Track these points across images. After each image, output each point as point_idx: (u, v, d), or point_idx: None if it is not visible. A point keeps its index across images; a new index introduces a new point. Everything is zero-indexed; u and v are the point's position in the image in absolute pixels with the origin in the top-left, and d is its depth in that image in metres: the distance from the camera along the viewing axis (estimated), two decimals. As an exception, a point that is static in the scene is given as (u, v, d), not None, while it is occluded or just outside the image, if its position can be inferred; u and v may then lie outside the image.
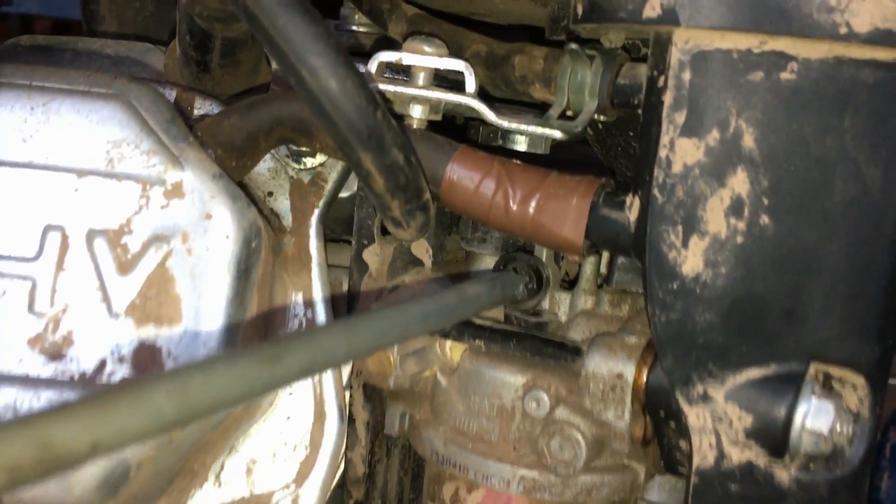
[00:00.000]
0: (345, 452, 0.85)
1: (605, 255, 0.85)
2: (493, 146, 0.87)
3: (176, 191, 0.69)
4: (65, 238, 0.69)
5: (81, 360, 0.67)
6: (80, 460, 0.36)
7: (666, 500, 0.95)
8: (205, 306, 0.68)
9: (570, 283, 0.89)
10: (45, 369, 0.67)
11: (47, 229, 0.69)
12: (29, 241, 0.69)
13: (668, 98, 0.64)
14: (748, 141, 0.63)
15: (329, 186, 0.84)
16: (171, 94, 0.82)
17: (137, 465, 0.68)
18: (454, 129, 0.90)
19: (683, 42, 0.63)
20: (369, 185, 0.67)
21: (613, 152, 0.84)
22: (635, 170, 0.70)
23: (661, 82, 0.65)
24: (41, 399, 0.66)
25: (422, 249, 0.85)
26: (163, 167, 0.69)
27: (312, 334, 0.54)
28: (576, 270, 0.90)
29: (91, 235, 0.69)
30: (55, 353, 0.67)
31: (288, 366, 0.48)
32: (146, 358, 0.67)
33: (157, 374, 0.42)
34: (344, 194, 0.88)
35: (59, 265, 0.68)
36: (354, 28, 0.99)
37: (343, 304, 0.86)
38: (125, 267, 0.68)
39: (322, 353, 0.51)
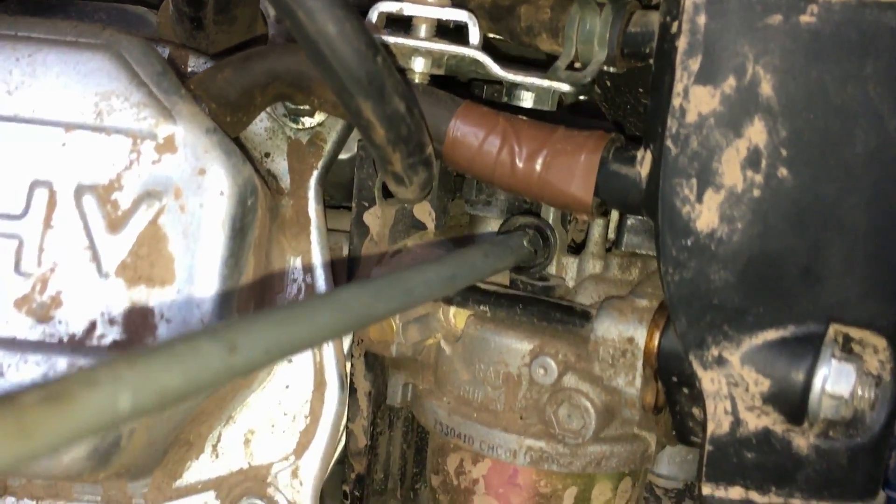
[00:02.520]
0: (346, 424, 0.82)
1: (614, 218, 0.82)
2: (498, 104, 0.84)
3: (168, 145, 0.66)
4: (52, 194, 0.66)
5: (70, 322, 0.64)
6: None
7: (676, 474, 0.93)
8: (199, 266, 0.66)
9: (577, 248, 0.86)
10: (33, 332, 0.64)
11: (34, 185, 0.66)
12: (15, 197, 0.66)
13: (681, 44, 0.61)
14: (766, 88, 0.60)
15: (328, 147, 0.81)
16: (165, 52, 0.79)
17: (129, 433, 0.65)
18: (457, 88, 0.87)
19: (699, -16, 0.60)
20: (369, 137, 0.64)
21: (622, 110, 0.81)
22: (646, 122, 0.67)
23: (674, 28, 0.62)
24: (28, 363, 0.63)
25: (425, 212, 0.82)
26: (154, 120, 0.66)
27: (309, 303, 0.51)
28: (582, 236, 0.87)
29: (80, 191, 0.66)
30: (43, 315, 0.64)
31: (301, 329, 0.46)
32: (138, 320, 0.64)
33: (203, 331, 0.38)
34: (343, 156, 0.85)
35: (47, 223, 0.66)
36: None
37: (343, 269, 0.83)
38: (115, 225, 0.65)
39: (319, 325, 0.49)
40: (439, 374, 0.81)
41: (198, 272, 0.66)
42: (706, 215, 0.63)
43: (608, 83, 0.78)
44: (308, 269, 0.79)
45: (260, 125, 0.80)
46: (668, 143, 0.62)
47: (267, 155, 0.80)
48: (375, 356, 0.82)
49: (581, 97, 0.86)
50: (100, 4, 0.99)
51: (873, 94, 0.60)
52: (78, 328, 0.64)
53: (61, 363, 0.64)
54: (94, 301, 0.65)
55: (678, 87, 0.62)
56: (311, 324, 0.45)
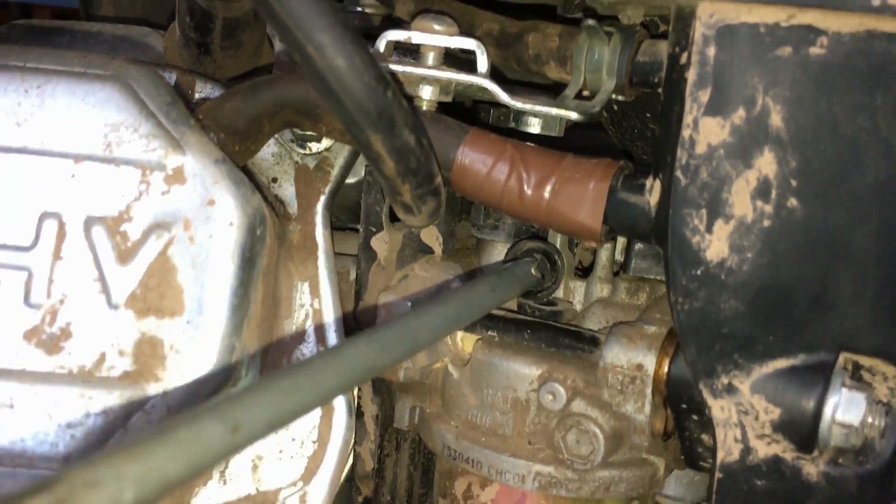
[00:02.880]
0: (353, 447, 0.82)
1: (621, 242, 0.82)
2: (505, 129, 0.84)
3: (177, 176, 0.66)
4: (62, 226, 0.66)
5: (80, 353, 0.64)
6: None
7: (683, 495, 0.93)
8: (208, 297, 0.66)
9: (584, 271, 0.86)
10: (42, 363, 0.64)
11: (43, 217, 0.66)
12: (24, 229, 0.66)
13: (691, 75, 0.61)
14: (775, 120, 0.60)
15: (335, 172, 0.81)
16: (172, 77, 0.79)
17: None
18: (462, 112, 0.87)
19: (708, 16, 0.60)
20: (379, 169, 0.64)
21: (630, 135, 0.81)
22: (655, 151, 0.67)
23: (683, 59, 0.62)
24: (38, 395, 0.63)
25: (432, 237, 0.82)
26: (163, 151, 0.66)
27: (312, 366, 0.51)
28: (590, 258, 0.87)
29: (89, 223, 0.66)
30: (52, 347, 0.64)
31: (306, 393, 0.46)
32: (147, 351, 0.64)
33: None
34: (350, 180, 0.85)
35: (56, 254, 0.66)
36: (360, 9, 0.96)
37: (350, 293, 0.83)
38: (125, 256, 0.65)
39: (335, 378, 0.49)
40: (447, 397, 0.81)
41: (207, 303, 0.66)
42: (716, 245, 0.63)
43: (615, 108, 0.78)
44: (315, 293, 0.79)
45: (267, 150, 0.80)
46: (678, 173, 0.63)
47: (274, 180, 0.80)
48: (383, 380, 0.82)
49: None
50: (105, 27, 0.99)
51: (883, 125, 0.60)
52: (88, 360, 0.64)
53: (71, 395, 0.64)
54: (103, 332, 0.65)
55: (688, 119, 0.62)
56: (315, 389, 0.46)
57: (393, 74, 0.72)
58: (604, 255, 0.81)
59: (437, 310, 0.65)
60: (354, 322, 0.83)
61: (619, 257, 0.84)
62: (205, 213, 0.66)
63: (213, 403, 0.43)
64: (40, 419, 0.63)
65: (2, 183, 0.66)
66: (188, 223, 0.66)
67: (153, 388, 0.64)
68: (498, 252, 0.87)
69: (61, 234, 0.66)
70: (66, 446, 0.62)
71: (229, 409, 0.40)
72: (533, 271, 0.79)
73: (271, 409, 0.46)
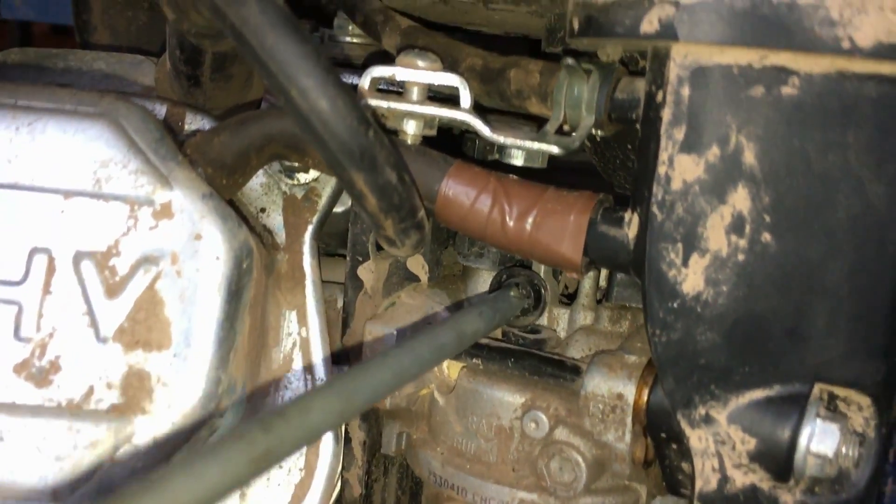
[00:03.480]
0: (341, 473, 0.83)
1: (605, 270, 0.84)
2: (490, 160, 0.86)
3: (165, 211, 0.68)
4: (51, 261, 0.67)
5: (69, 386, 0.65)
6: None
7: (667, 518, 0.94)
8: (195, 329, 0.67)
9: (568, 298, 0.88)
10: (32, 396, 0.65)
11: (33, 252, 0.67)
12: (15, 264, 0.67)
13: (666, 114, 0.63)
14: (749, 157, 0.62)
15: (323, 202, 0.82)
16: (162, 109, 0.81)
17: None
18: (450, 140, 0.89)
19: (682, 57, 0.62)
20: (362, 205, 0.66)
21: (612, 165, 0.83)
22: (633, 186, 0.68)
23: (659, 97, 0.63)
24: (27, 427, 0.64)
25: (418, 265, 0.83)
26: (151, 187, 0.68)
27: (307, 401, 0.53)
28: (574, 285, 0.89)
29: (78, 258, 0.67)
30: (42, 380, 0.65)
31: (284, 438, 0.47)
32: (135, 384, 0.65)
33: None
34: (338, 209, 0.86)
35: (46, 289, 0.67)
36: (348, 39, 0.97)
37: (338, 322, 0.85)
38: (113, 290, 0.67)
39: (318, 418, 0.51)
40: (433, 424, 0.82)
41: (194, 335, 0.67)
42: (692, 279, 0.64)
43: (598, 139, 0.79)
44: (303, 322, 0.81)
45: (256, 181, 0.81)
46: (654, 209, 0.64)
47: (263, 210, 0.82)
48: (370, 406, 0.83)
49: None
50: (98, 54, 1.00)
51: (854, 162, 0.61)
52: (76, 393, 0.65)
53: (60, 427, 0.65)
54: (92, 365, 0.66)
55: (663, 156, 0.63)
56: (306, 426, 0.47)
57: (377, 109, 0.73)
58: (587, 283, 0.83)
59: (425, 342, 0.67)
60: (342, 349, 0.84)
61: (602, 284, 0.85)
62: (192, 248, 0.67)
63: (210, 444, 0.45)
64: (29, 452, 0.64)
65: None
66: (176, 257, 0.67)
67: (141, 421, 0.65)
68: (484, 279, 0.88)
69: (51, 269, 0.67)
70: (55, 479, 0.63)
71: (224, 451, 0.41)
72: (518, 300, 0.80)
73: (264, 448, 0.48)
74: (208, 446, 0.47)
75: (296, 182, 0.82)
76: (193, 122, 0.81)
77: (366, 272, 0.82)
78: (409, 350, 0.65)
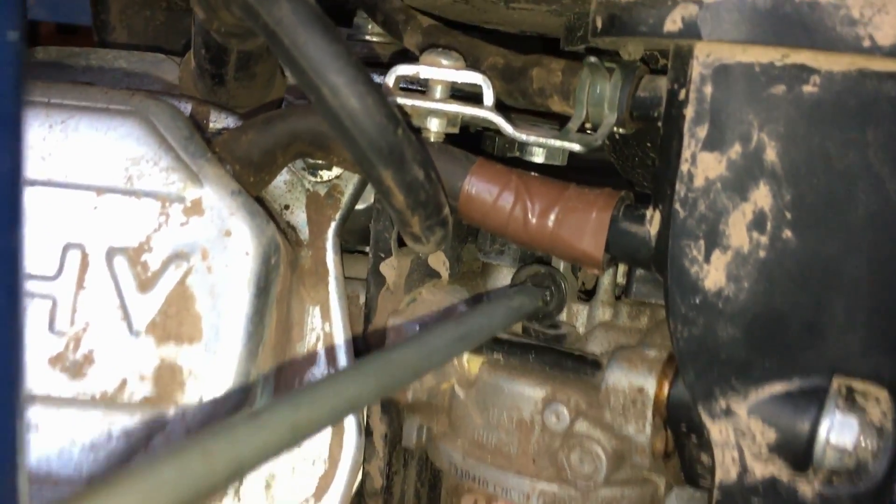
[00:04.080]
0: (362, 465, 0.84)
1: (623, 266, 0.85)
2: (510, 157, 0.87)
3: (195, 208, 0.69)
4: (84, 256, 0.69)
5: (102, 379, 0.67)
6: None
7: (684, 511, 0.95)
8: (225, 324, 0.68)
9: (587, 295, 0.89)
10: (66, 389, 0.67)
11: (67, 247, 0.69)
12: (49, 259, 0.69)
13: (689, 112, 0.64)
14: (770, 155, 0.63)
15: (345, 199, 0.83)
16: (187, 107, 0.82)
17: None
18: (469, 138, 0.90)
19: (705, 56, 0.63)
20: (389, 202, 0.67)
21: (630, 162, 0.84)
22: (655, 183, 0.70)
23: (681, 96, 0.65)
24: (62, 418, 0.66)
25: (439, 262, 0.84)
26: (182, 184, 0.69)
27: (339, 378, 0.54)
28: (593, 281, 0.90)
29: (111, 253, 0.68)
30: (76, 372, 0.67)
31: (319, 411, 0.49)
32: (167, 376, 0.67)
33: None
34: (360, 206, 0.87)
35: (80, 283, 0.68)
36: (368, 38, 0.99)
37: (360, 317, 0.86)
38: (145, 285, 0.68)
39: (351, 397, 0.52)
40: (454, 417, 0.83)
41: (224, 329, 0.68)
42: (714, 275, 0.65)
43: (617, 137, 0.80)
44: (326, 317, 0.82)
45: (280, 178, 0.82)
46: (677, 206, 0.65)
47: (286, 207, 0.83)
48: (391, 400, 0.84)
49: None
50: (120, 53, 1.02)
51: (874, 159, 0.62)
52: (110, 385, 0.67)
53: (94, 418, 0.66)
54: (125, 358, 0.67)
55: (686, 154, 0.64)
56: (327, 408, 0.49)
57: (401, 107, 0.74)
58: (606, 279, 0.84)
59: (445, 333, 0.68)
60: (364, 344, 0.85)
61: (620, 281, 0.86)
62: (222, 244, 0.69)
63: (226, 423, 0.46)
64: (64, 442, 0.65)
65: (27, 215, 0.69)
66: (206, 253, 0.69)
67: (173, 412, 0.66)
68: (503, 276, 0.90)
69: (84, 264, 0.68)
70: (90, 468, 0.65)
71: (240, 429, 0.43)
72: (538, 295, 0.81)
73: (284, 428, 0.49)
74: (241, 416, 0.48)
75: (319, 179, 0.84)
76: (218, 121, 0.83)
77: (388, 268, 0.83)
78: (433, 337, 0.66)
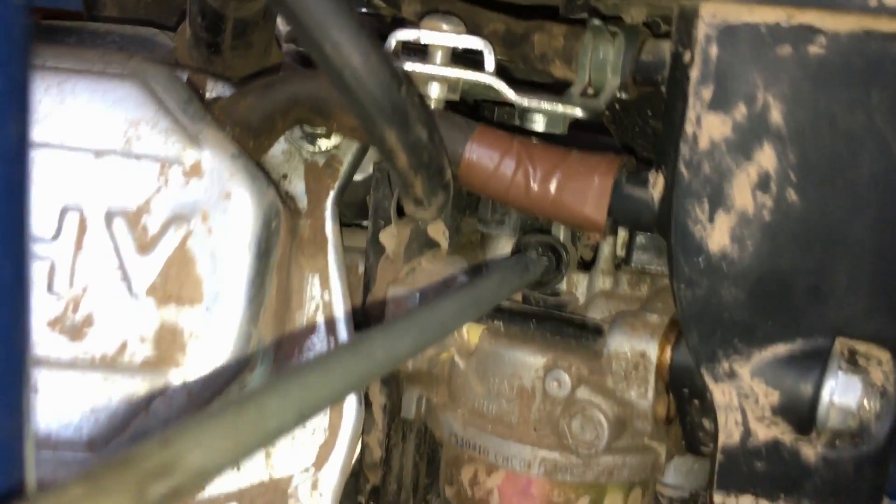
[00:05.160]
0: (362, 436, 0.84)
1: (623, 236, 0.85)
2: (509, 127, 0.86)
3: (194, 170, 0.68)
4: (83, 219, 0.68)
5: (102, 341, 0.66)
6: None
7: (682, 483, 0.95)
8: (226, 287, 0.68)
9: (586, 264, 0.89)
10: (66, 351, 0.66)
11: (65, 210, 0.68)
12: (46, 221, 0.68)
13: (694, 73, 0.64)
14: (775, 116, 0.63)
15: (344, 168, 0.83)
16: (184, 77, 0.81)
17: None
18: (467, 110, 0.90)
19: (710, 16, 0.63)
20: (392, 163, 0.66)
21: (630, 132, 0.84)
22: (658, 147, 0.70)
23: (686, 58, 0.64)
24: (63, 380, 0.65)
25: (438, 232, 0.84)
26: (181, 146, 0.68)
27: (352, 347, 0.54)
28: (591, 252, 0.90)
29: (110, 216, 0.68)
30: (76, 335, 0.66)
31: (333, 381, 0.48)
32: (168, 338, 0.66)
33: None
34: (357, 177, 0.87)
35: (78, 246, 0.67)
36: (365, 10, 0.98)
37: (359, 286, 0.85)
38: (145, 247, 0.67)
39: (363, 367, 0.52)
40: (453, 387, 0.83)
41: (225, 292, 0.68)
42: (718, 236, 0.65)
43: (617, 106, 0.80)
44: (326, 286, 0.81)
45: (278, 148, 0.82)
46: (682, 167, 0.65)
47: (284, 177, 0.82)
48: (390, 371, 0.84)
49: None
50: (112, 27, 1.00)
51: (879, 121, 0.62)
52: (110, 347, 0.66)
53: (95, 380, 0.65)
54: (125, 321, 0.67)
55: (691, 115, 0.64)
56: (333, 384, 0.49)
57: (405, 72, 0.74)
58: (606, 248, 0.84)
59: (449, 303, 0.67)
60: (363, 314, 0.85)
61: (620, 251, 0.86)
62: (222, 206, 0.68)
63: (244, 394, 0.45)
64: (65, 404, 0.65)
65: (24, 177, 0.68)
66: (206, 216, 0.68)
67: (174, 374, 0.66)
68: (502, 246, 0.89)
69: (83, 227, 0.68)
70: (90, 430, 0.64)
71: (260, 400, 0.42)
72: (539, 263, 0.81)
73: (293, 405, 0.49)
74: (248, 391, 0.48)
75: (317, 149, 0.83)
76: (214, 90, 0.82)
77: (388, 236, 0.83)
78: (434, 310, 0.66)
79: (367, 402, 0.84)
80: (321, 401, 0.52)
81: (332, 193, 0.83)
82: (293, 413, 0.49)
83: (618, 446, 0.76)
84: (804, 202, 0.64)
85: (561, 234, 0.84)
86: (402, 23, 0.87)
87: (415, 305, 0.79)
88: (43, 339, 0.66)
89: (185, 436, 0.39)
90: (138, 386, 0.65)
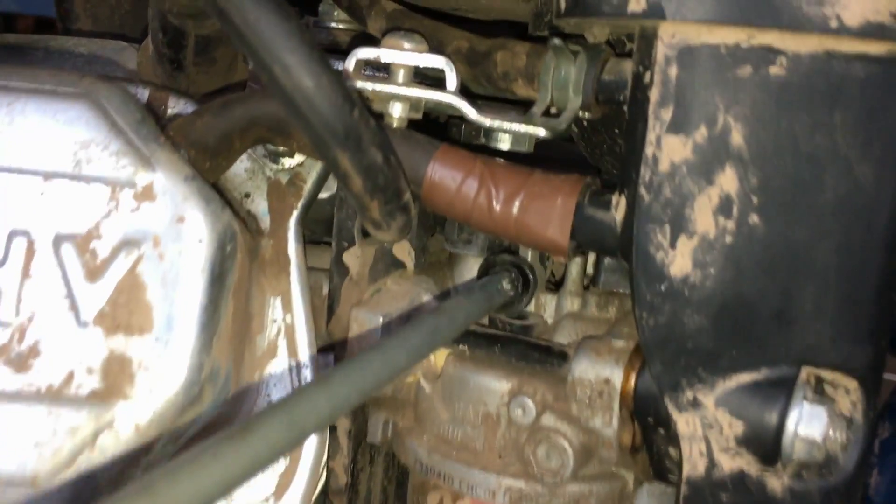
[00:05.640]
0: (326, 462, 0.82)
1: (592, 256, 0.83)
2: (476, 144, 0.85)
3: (147, 193, 0.67)
4: (31, 244, 0.66)
5: (48, 371, 0.64)
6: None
7: (655, 506, 0.94)
8: (177, 314, 0.66)
9: (555, 285, 0.87)
10: (11, 381, 0.64)
11: (12, 235, 0.66)
12: (-7, 247, 0.66)
13: (654, 94, 0.62)
14: (736, 138, 0.61)
15: (308, 187, 0.81)
16: (145, 94, 0.80)
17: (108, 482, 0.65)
18: (436, 126, 0.88)
19: (669, 37, 0.61)
20: (347, 186, 0.65)
21: (599, 150, 0.82)
22: (621, 168, 0.68)
23: (647, 78, 0.63)
24: (6, 413, 0.63)
25: (404, 252, 0.82)
26: (133, 169, 0.67)
27: (292, 401, 0.52)
28: (561, 271, 0.88)
29: (58, 241, 0.66)
30: (21, 365, 0.64)
31: (268, 440, 0.47)
32: (116, 369, 0.64)
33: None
34: (323, 195, 0.85)
35: (25, 272, 0.66)
36: (333, 25, 0.96)
37: (323, 308, 0.84)
38: (94, 273, 0.66)
39: (305, 419, 0.50)
40: (419, 412, 0.81)
41: (176, 320, 0.66)
42: (679, 261, 0.64)
43: (585, 124, 0.79)
44: (288, 308, 0.80)
45: (240, 165, 0.80)
46: (642, 190, 0.63)
47: (247, 195, 0.81)
48: (356, 394, 0.82)
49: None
50: (80, 40, 0.99)
51: (841, 143, 0.61)
52: (56, 378, 0.64)
53: (39, 413, 0.64)
54: (72, 350, 0.65)
55: (651, 136, 0.63)
56: (299, 426, 0.47)
57: (363, 92, 0.72)
58: (574, 269, 0.82)
59: (417, 331, 0.66)
60: (327, 336, 0.83)
61: (589, 271, 0.85)
62: (174, 231, 0.66)
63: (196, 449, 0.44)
64: (8, 438, 0.63)
65: (-30, 201, 0.66)
66: (158, 240, 0.66)
67: (122, 407, 0.64)
68: (470, 266, 0.88)
69: (30, 252, 0.66)
70: (34, 466, 0.62)
71: (210, 454, 0.41)
72: (507, 286, 0.80)
73: (252, 452, 0.47)
74: (193, 451, 0.46)
75: (281, 167, 0.81)
76: (176, 106, 0.80)
77: (351, 258, 0.81)
78: (401, 340, 0.64)
79: (332, 428, 0.83)
80: (284, 446, 0.51)
81: (295, 213, 0.81)
82: (250, 461, 0.48)
83: (584, 474, 0.75)
84: (767, 226, 0.62)
85: (529, 254, 0.82)
86: (368, 37, 0.86)
87: (377, 329, 0.78)
88: (-14, 370, 0.64)
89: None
90: (85, 419, 0.63)
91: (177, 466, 0.43)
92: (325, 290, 0.85)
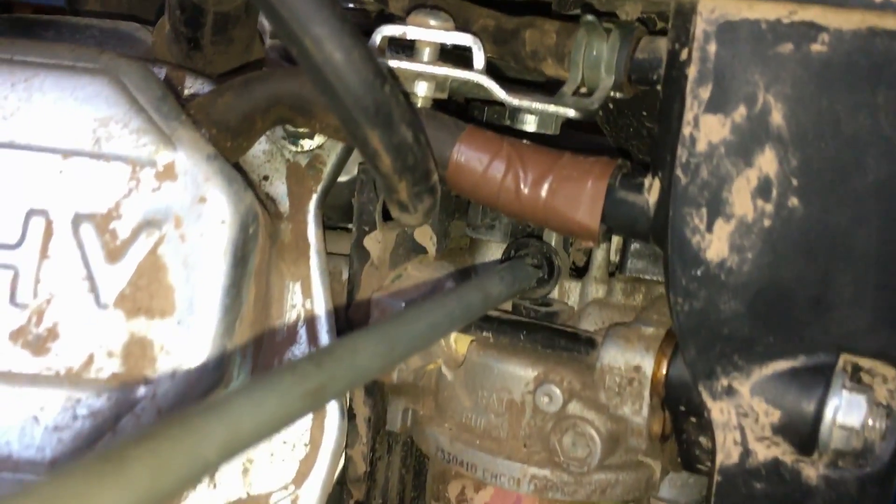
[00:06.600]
0: (345, 450, 0.81)
1: (616, 242, 0.81)
2: (500, 127, 0.83)
3: (168, 172, 0.65)
4: (49, 223, 0.64)
5: (67, 354, 0.63)
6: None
7: (677, 497, 0.92)
8: (199, 296, 0.64)
9: (578, 272, 0.85)
10: (29, 364, 0.62)
11: (30, 214, 0.64)
12: (10, 226, 0.64)
13: (692, 72, 0.61)
14: (776, 117, 0.60)
15: (328, 170, 0.79)
16: (161, 73, 0.78)
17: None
18: (456, 110, 0.86)
19: (709, 12, 0.60)
20: (375, 165, 0.63)
21: (625, 133, 0.80)
22: (654, 150, 0.66)
23: (683, 55, 0.61)
24: (24, 396, 0.62)
25: (425, 237, 0.81)
26: (153, 147, 0.65)
27: (354, 342, 0.51)
28: (584, 259, 0.86)
29: (77, 220, 0.64)
30: (39, 348, 0.62)
31: (335, 375, 0.46)
32: (137, 352, 0.63)
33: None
34: (342, 179, 0.83)
35: (43, 253, 0.64)
36: (352, 6, 0.95)
37: (342, 293, 0.82)
38: (114, 254, 0.64)
39: (366, 360, 0.49)
40: (440, 400, 0.80)
41: (198, 302, 0.64)
42: (716, 245, 0.62)
43: (611, 106, 0.77)
44: (307, 293, 0.78)
45: (258, 148, 0.78)
46: (678, 171, 0.62)
47: (265, 178, 0.79)
48: (375, 381, 0.80)
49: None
50: (92, 21, 0.97)
51: (884, 123, 0.59)
52: (75, 361, 0.63)
53: (58, 397, 0.62)
54: (91, 333, 0.63)
55: (688, 116, 0.61)
56: (350, 368, 0.45)
57: (390, 71, 0.71)
58: (599, 255, 0.80)
59: (435, 309, 0.64)
60: (346, 322, 0.82)
61: (614, 258, 0.83)
62: (196, 211, 0.65)
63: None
64: (26, 422, 0.61)
65: (-13, 179, 0.65)
66: (179, 221, 0.64)
67: (143, 390, 0.62)
68: (492, 252, 0.86)
69: (48, 232, 0.64)
70: (53, 450, 0.61)
71: (279, 382, 0.40)
72: (531, 271, 0.78)
73: (317, 383, 0.46)
74: (261, 376, 0.45)
75: (300, 149, 0.80)
76: (193, 86, 0.78)
77: (372, 242, 0.79)
78: (421, 315, 0.63)
79: (350, 415, 0.81)
80: (297, 410, 0.49)
81: (315, 196, 0.80)
82: (316, 395, 0.46)
83: (611, 463, 0.73)
84: (806, 209, 0.61)
85: (553, 240, 0.81)
86: (389, 18, 0.84)
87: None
88: (4, 353, 0.62)
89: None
90: (104, 403, 0.61)
91: (245, 391, 0.41)
92: (345, 276, 0.84)
